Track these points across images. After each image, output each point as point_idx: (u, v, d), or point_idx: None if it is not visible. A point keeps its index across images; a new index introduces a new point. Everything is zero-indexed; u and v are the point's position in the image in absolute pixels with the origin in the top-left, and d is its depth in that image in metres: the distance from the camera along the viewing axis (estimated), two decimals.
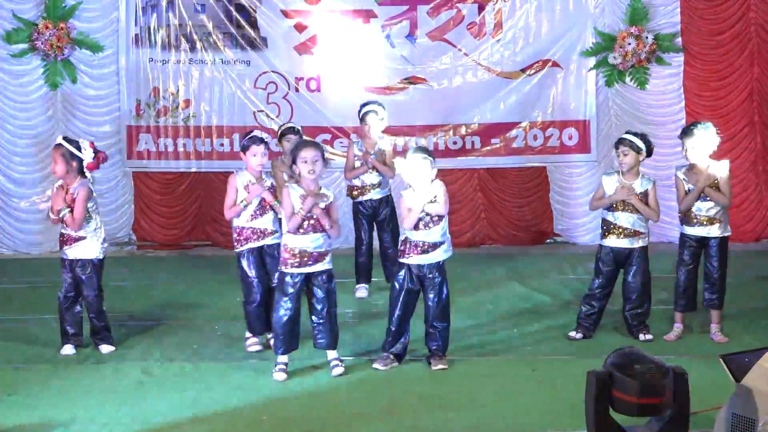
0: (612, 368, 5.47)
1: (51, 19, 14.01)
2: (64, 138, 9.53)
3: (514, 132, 14.45)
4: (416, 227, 8.68)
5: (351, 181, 11.59)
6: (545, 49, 14.34)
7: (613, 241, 9.46)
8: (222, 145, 14.45)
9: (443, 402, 7.92)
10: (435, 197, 8.70)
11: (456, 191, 14.53)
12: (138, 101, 14.43)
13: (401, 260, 8.77)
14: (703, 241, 9.47)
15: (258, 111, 14.44)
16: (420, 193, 8.71)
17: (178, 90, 14.46)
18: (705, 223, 9.41)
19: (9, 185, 14.43)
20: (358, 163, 11.45)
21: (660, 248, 13.96)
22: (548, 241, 14.65)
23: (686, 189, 9.47)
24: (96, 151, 9.45)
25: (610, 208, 9.47)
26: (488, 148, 14.49)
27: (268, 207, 9.26)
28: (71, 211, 9.17)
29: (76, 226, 9.18)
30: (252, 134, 9.35)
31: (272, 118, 14.36)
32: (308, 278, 8.58)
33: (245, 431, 7.43)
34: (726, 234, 9.48)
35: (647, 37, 13.96)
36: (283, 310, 8.52)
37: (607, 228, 9.49)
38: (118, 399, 8.08)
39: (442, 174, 14.23)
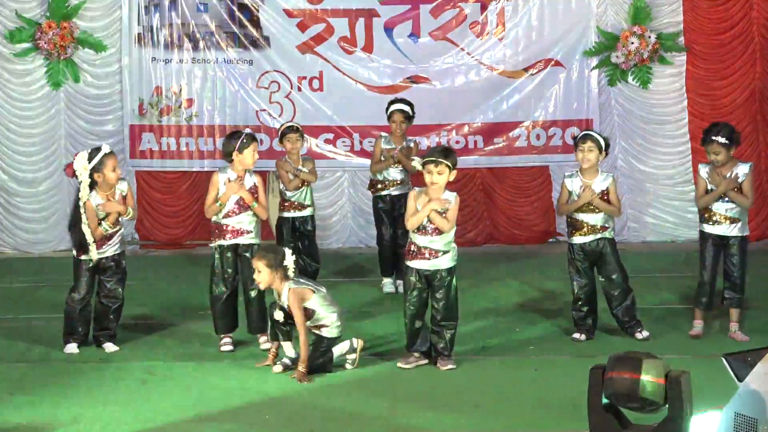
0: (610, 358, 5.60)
1: (54, 18, 14.02)
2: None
3: (516, 131, 14.46)
4: (421, 231, 8.69)
5: (375, 176, 11.63)
6: (548, 49, 14.35)
7: (580, 239, 9.45)
8: None
9: (445, 402, 7.93)
10: (445, 210, 8.66)
11: (458, 190, 14.43)
12: (141, 100, 14.44)
13: (407, 263, 8.79)
14: (723, 240, 9.45)
15: (260, 110, 14.46)
16: (432, 198, 8.71)
17: (180, 89, 14.47)
18: (725, 222, 9.39)
19: (12, 184, 14.44)
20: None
21: (664, 248, 13.98)
22: (551, 240, 14.64)
23: (708, 188, 9.40)
24: None
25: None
26: (491, 147, 14.50)
27: (246, 206, 9.32)
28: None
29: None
30: (246, 132, 9.44)
31: (275, 118, 14.37)
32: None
33: (248, 430, 7.44)
34: (746, 234, 9.47)
35: (650, 37, 13.96)
36: None
37: (573, 227, 9.49)
38: (122, 398, 8.10)
39: None
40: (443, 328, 8.77)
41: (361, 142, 14.40)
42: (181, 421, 7.58)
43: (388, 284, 11.66)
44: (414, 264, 8.72)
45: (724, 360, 6.06)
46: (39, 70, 14.33)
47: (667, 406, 5.42)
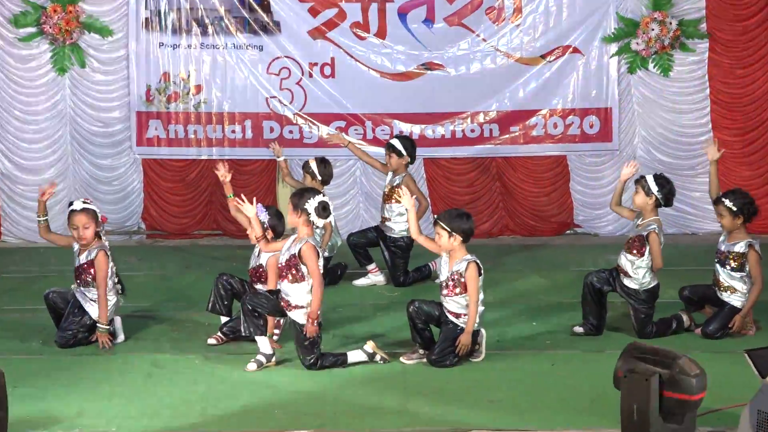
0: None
1: (59, 2, 13.98)
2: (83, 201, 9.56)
3: (533, 120, 14.41)
4: (442, 291, 8.81)
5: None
6: (566, 35, 14.28)
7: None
8: (234, 131, 14.44)
9: (459, 397, 7.92)
10: (461, 277, 8.69)
11: (474, 180, 14.50)
12: (148, 87, 14.42)
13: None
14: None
15: (271, 97, 14.42)
16: (444, 258, 8.88)
17: (189, 75, 14.44)
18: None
19: (16, 172, 14.42)
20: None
21: (684, 240, 13.94)
22: (568, 232, 14.59)
23: None
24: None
25: None
26: (507, 136, 14.44)
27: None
28: None
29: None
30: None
31: (285, 105, 14.34)
32: None
33: (257, 425, 7.43)
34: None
35: (671, 23, 13.89)
36: None
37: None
38: (127, 392, 8.10)
39: (461, 163, 14.33)
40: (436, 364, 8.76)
41: (373, 130, 14.35)
42: (187, 416, 7.57)
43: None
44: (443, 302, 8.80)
45: (746, 356, 6.04)
46: (44, 56, 14.30)
47: None
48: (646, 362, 6.20)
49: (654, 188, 9.39)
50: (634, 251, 9.37)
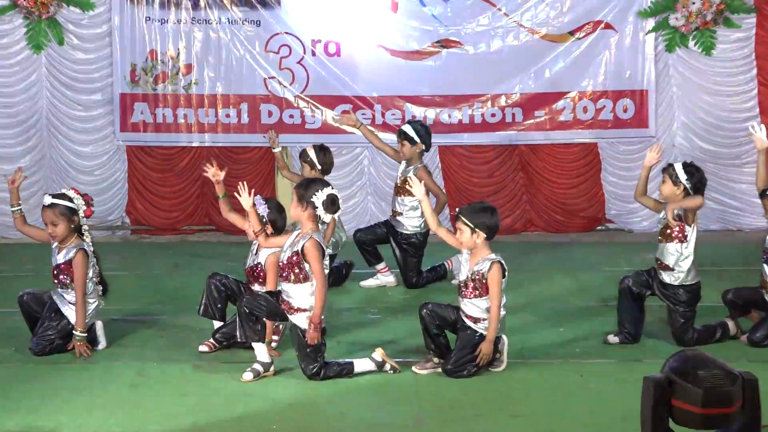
0: (672, 374, 5.44)
1: None
2: (52, 195, 9.49)
3: (560, 103, 14.42)
4: (460, 292, 8.76)
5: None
6: (597, 9, 14.29)
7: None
8: (228, 116, 14.47)
9: (477, 411, 7.91)
10: (482, 278, 8.68)
11: (494, 171, 14.51)
12: (133, 66, 14.45)
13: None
14: None
15: (269, 78, 14.45)
16: (464, 256, 8.86)
17: (178, 53, 14.47)
18: None
19: None
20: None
21: (728, 237, 13.93)
22: (600, 228, 14.62)
23: None
24: (82, 196, 9.51)
25: None
26: (531, 121, 14.47)
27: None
28: None
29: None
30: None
31: (285, 86, 14.37)
32: None
33: None
34: None
35: None
36: None
37: None
38: (109, 404, 8.09)
39: (480, 151, 14.34)
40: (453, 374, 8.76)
41: (383, 115, 14.38)
42: (176, 431, 7.58)
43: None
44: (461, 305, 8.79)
45: None
46: (18, 31, 14.34)
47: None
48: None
49: (682, 177, 9.35)
50: (675, 239, 9.32)
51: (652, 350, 9.17)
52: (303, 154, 11.66)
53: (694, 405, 5.33)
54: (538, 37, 14.37)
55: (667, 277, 9.38)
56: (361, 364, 8.71)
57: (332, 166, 11.75)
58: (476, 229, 8.62)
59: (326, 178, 11.25)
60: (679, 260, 9.30)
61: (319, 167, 11.48)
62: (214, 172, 9.64)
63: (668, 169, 9.44)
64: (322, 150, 11.57)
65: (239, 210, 9.24)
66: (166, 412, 7.93)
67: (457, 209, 8.80)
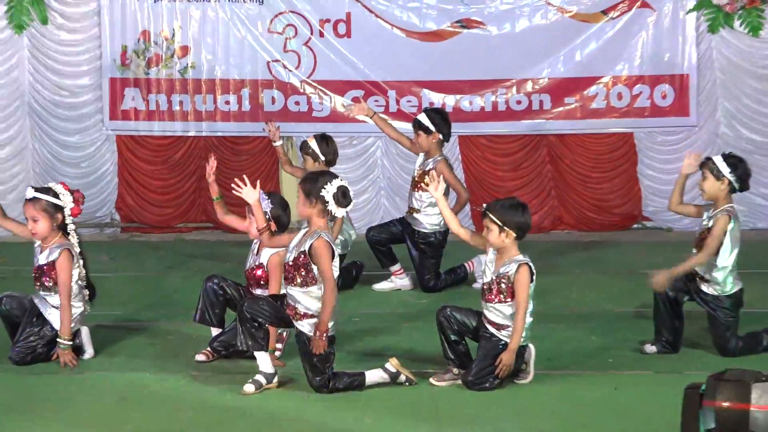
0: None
1: None
2: (35, 189, 9.45)
3: (593, 89, 14.41)
4: (484, 296, 8.73)
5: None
6: None
7: None
8: (228, 102, 14.46)
9: (500, 427, 7.88)
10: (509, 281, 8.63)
11: (520, 163, 14.49)
12: (124, 48, 14.45)
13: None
14: None
15: (273, 61, 14.44)
16: (489, 256, 8.82)
17: (173, 34, 14.47)
18: None
19: None
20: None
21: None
22: (636, 226, 14.60)
23: None
24: (72, 192, 9.46)
25: None
26: (560, 109, 14.46)
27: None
28: None
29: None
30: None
31: (290, 70, 14.35)
32: None
33: None
34: None
35: None
36: None
37: None
38: (96, 419, 8.08)
39: (504, 142, 14.31)
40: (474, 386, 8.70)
41: (397, 102, 14.37)
42: None
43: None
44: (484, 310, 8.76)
45: None
46: None
47: None
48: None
49: (725, 170, 9.29)
50: None
51: (693, 361, 9.15)
52: (304, 146, 11.63)
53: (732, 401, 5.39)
54: (568, 17, 14.36)
55: (704, 287, 9.35)
56: (374, 376, 8.67)
57: (337, 156, 11.70)
58: (505, 228, 8.58)
59: (332, 170, 11.24)
60: (713, 271, 9.26)
61: (322, 158, 11.45)
62: (211, 166, 9.59)
63: (707, 164, 9.38)
64: (324, 139, 11.54)
65: (237, 210, 9.20)
66: (158, 428, 7.91)
67: (484, 205, 8.74)
